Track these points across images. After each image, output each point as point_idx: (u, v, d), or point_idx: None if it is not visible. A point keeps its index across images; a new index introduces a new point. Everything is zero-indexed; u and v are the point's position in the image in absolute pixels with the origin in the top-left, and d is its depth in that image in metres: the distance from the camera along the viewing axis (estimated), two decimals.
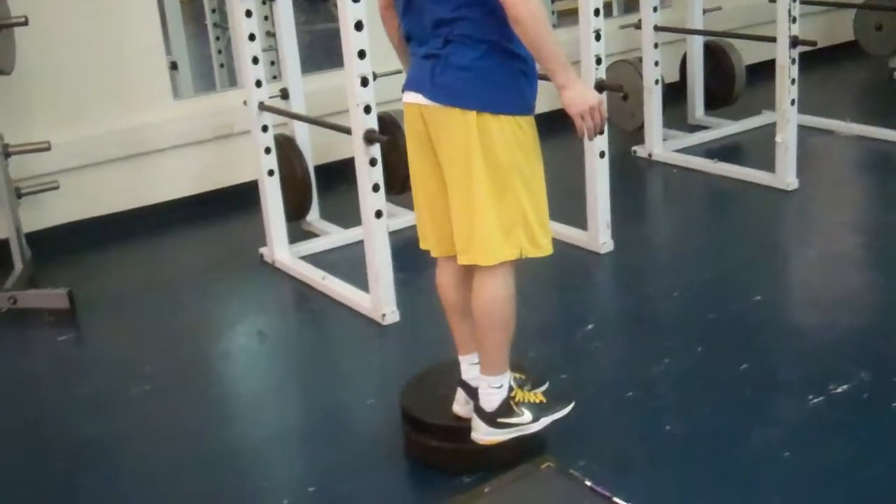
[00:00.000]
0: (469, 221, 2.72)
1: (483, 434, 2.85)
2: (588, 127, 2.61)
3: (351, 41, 3.58)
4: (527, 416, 2.88)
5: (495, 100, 2.65)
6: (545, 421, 2.90)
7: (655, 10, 5.56)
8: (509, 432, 2.85)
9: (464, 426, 2.94)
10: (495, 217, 2.69)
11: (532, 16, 2.50)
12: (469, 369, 2.96)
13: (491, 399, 2.84)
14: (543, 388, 3.01)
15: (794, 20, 4.86)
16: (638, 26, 5.65)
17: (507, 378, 2.85)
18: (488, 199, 2.68)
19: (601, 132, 2.66)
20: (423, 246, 2.98)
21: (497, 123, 2.64)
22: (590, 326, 3.83)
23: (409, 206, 4.91)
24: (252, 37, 4.33)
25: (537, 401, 2.91)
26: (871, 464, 2.89)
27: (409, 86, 2.78)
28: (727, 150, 5.80)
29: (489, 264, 2.73)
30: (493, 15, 2.57)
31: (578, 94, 2.59)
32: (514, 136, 2.67)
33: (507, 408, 2.85)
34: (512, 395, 2.87)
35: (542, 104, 2.88)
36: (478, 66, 2.62)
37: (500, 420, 2.84)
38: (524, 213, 2.72)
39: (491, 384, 2.83)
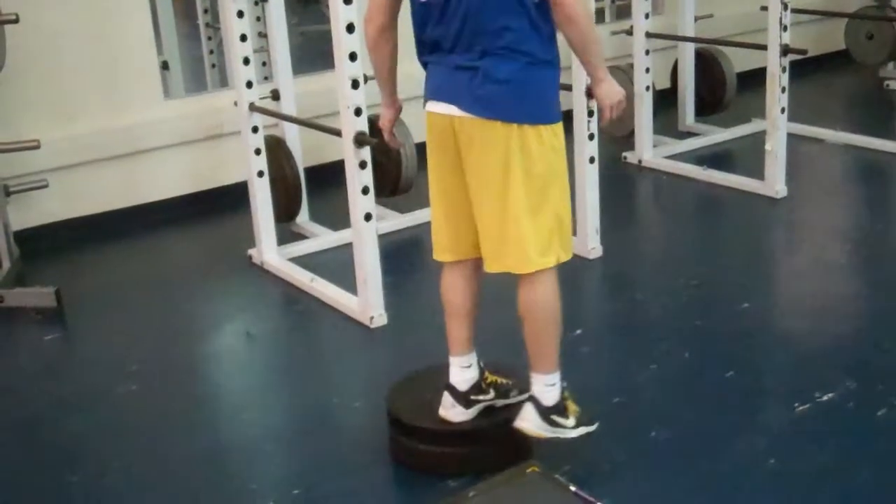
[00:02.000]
0: (503, 232, 2.75)
1: (532, 426, 2.87)
2: (614, 116, 2.84)
3: (342, 43, 3.58)
4: (570, 421, 2.90)
5: (536, 111, 2.69)
6: (581, 431, 2.92)
7: (647, 16, 5.57)
8: (554, 432, 2.88)
9: (450, 430, 2.95)
10: (533, 228, 2.73)
11: (586, 15, 2.65)
12: (459, 372, 2.97)
13: (546, 395, 2.87)
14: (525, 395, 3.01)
15: (785, 28, 4.87)
16: (629, 32, 5.66)
17: (559, 376, 2.89)
18: (526, 211, 2.71)
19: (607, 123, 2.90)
20: (437, 257, 2.97)
21: (536, 134, 2.69)
22: (578, 332, 3.84)
23: (399, 209, 4.95)
24: (244, 37, 4.33)
25: (577, 410, 2.94)
26: (856, 472, 2.90)
27: (439, 96, 2.76)
28: (717, 158, 5.82)
29: (527, 272, 2.77)
30: (533, 26, 2.62)
31: (613, 87, 2.81)
32: (550, 144, 2.72)
33: (561, 408, 2.89)
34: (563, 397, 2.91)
35: None
36: (517, 78, 2.64)
37: (552, 417, 2.87)
38: (560, 219, 2.79)
39: (546, 382, 2.87)
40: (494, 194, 2.73)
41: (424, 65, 2.81)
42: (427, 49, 2.78)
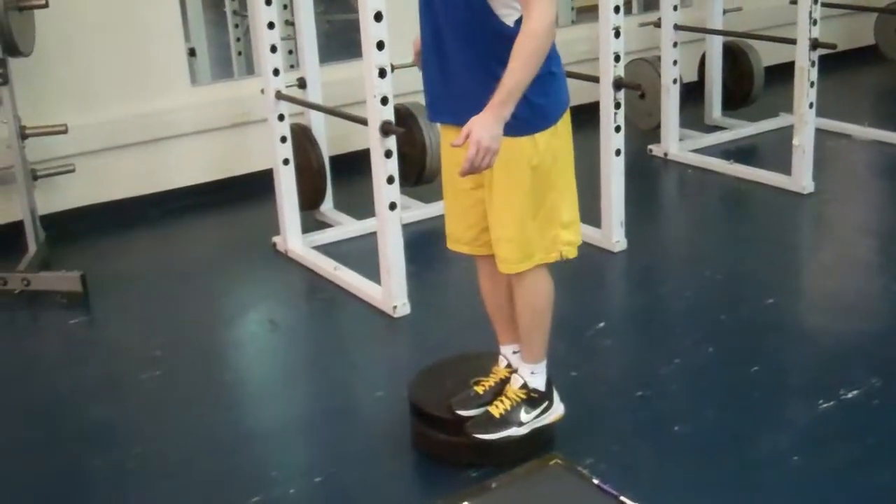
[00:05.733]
0: (505, 232, 2.75)
1: (513, 388, 2.94)
2: (475, 161, 2.43)
3: (370, 32, 3.57)
4: (537, 413, 2.94)
5: (540, 122, 2.66)
6: (536, 423, 2.95)
7: (675, 8, 5.54)
8: (520, 411, 2.91)
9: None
10: (532, 228, 2.73)
11: (548, 38, 2.47)
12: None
13: (530, 378, 2.93)
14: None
15: (814, 23, 4.84)
16: (657, 24, 5.63)
17: (544, 366, 2.94)
18: (527, 211, 2.71)
19: (468, 173, 2.49)
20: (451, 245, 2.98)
21: (542, 139, 2.67)
22: (601, 324, 3.83)
23: (424, 198, 4.95)
24: (271, 25, 4.33)
25: (559, 416, 3.00)
26: (879, 469, 2.88)
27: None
28: (743, 152, 5.78)
29: (519, 271, 2.79)
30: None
31: (495, 129, 2.44)
32: (548, 145, 2.68)
33: (541, 400, 2.94)
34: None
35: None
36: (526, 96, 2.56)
37: (532, 397, 2.92)
38: (560, 218, 2.77)
39: (531, 370, 2.93)
40: (503, 198, 2.73)
41: None
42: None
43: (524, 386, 2.91)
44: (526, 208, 2.71)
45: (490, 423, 2.88)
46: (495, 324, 3.06)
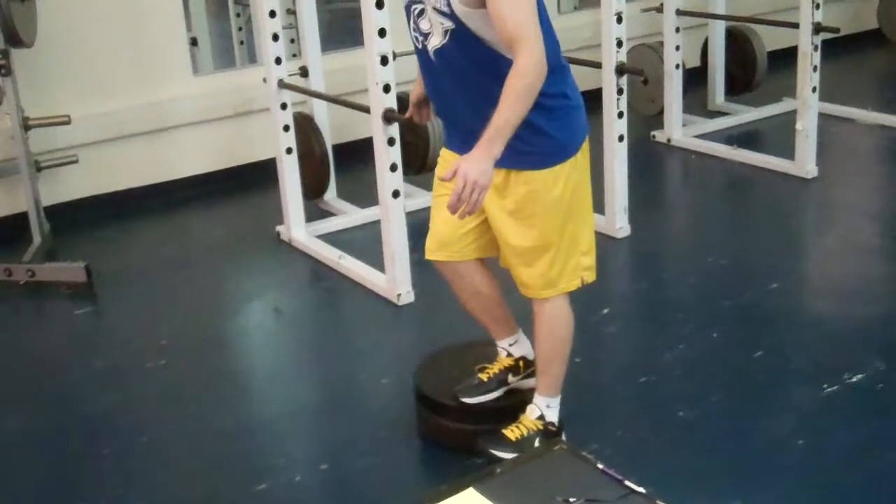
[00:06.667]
0: (528, 263, 2.73)
1: (528, 418, 2.91)
2: (463, 195, 2.35)
3: (371, 19, 3.57)
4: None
5: (560, 154, 2.64)
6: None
7: None
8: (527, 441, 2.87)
9: (477, 407, 2.95)
10: (555, 258, 2.72)
11: (539, 75, 2.38)
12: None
13: (546, 411, 2.90)
14: None
15: (817, 7, 4.82)
16: (660, 10, 5.62)
17: (558, 401, 2.92)
18: (551, 243, 2.69)
19: (455, 207, 2.39)
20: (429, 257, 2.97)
21: (562, 171, 2.65)
22: (605, 311, 3.83)
23: (427, 186, 4.94)
24: (273, 14, 4.33)
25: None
26: (884, 453, 2.89)
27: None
28: (747, 137, 5.78)
29: (548, 296, 2.78)
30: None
31: (484, 165, 2.36)
32: (568, 177, 2.66)
33: (548, 433, 2.90)
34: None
35: None
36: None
37: (548, 428, 2.89)
38: (579, 246, 2.76)
39: (546, 404, 2.90)
40: (519, 228, 2.72)
41: None
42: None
43: (541, 417, 2.89)
44: (551, 238, 2.69)
45: (504, 443, 2.86)
46: (486, 324, 3.03)
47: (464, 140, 2.56)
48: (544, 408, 2.89)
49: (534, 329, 2.85)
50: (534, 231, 2.69)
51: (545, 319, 2.81)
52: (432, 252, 2.92)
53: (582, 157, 2.70)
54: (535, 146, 2.57)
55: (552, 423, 2.89)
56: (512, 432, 2.87)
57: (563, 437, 2.94)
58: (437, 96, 2.73)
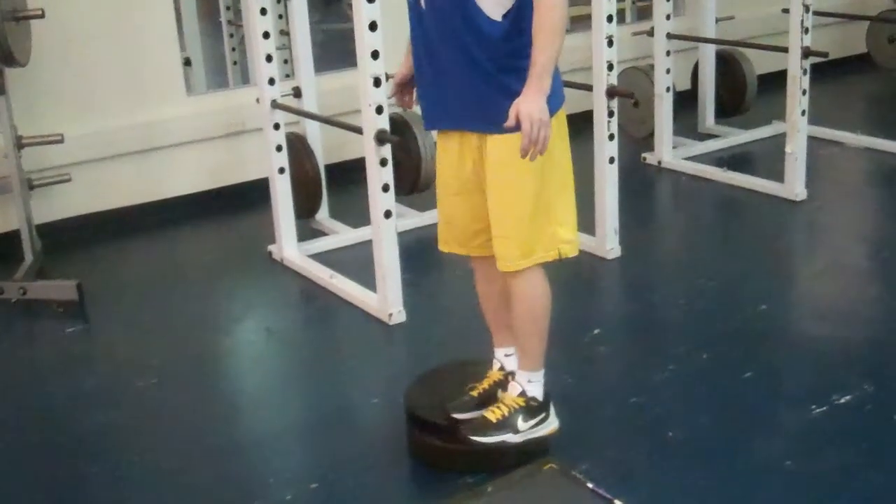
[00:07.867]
0: (504, 230, 2.77)
1: (510, 395, 2.94)
2: (532, 134, 2.49)
3: (365, 41, 3.60)
4: (533, 423, 2.94)
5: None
6: (532, 434, 2.95)
7: (668, 17, 5.56)
8: (518, 419, 2.91)
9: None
10: (530, 224, 2.74)
11: (564, 6, 2.52)
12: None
13: (528, 386, 2.93)
14: None
15: (806, 31, 4.86)
16: (650, 34, 5.66)
17: (541, 375, 2.95)
18: (525, 208, 2.73)
19: (527, 150, 2.52)
20: (443, 248, 3.01)
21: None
22: (596, 331, 3.85)
23: (418, 207, 4.96)
24: (266, 35, 4.35)
25: (554, 429, 3.01)
26: (872, 475, 2.90)
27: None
28: (737, 159, 5.81)
29: (518, 269, 2.79)
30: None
31: (541, 102, 2.51)
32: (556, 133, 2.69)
33: (540, 409, 2.94)
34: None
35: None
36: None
37: (531, 405, 2.92)
38: (556, 215, 2.79)
39: (528, 378, 2.93)
40: (501, 196, 2.76)
41: None
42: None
43: (522, 394, 2.92)
44: (523, 204, 2.72)
45: (486, 426, 2.89)
46: (490, 325, 3.08)
47: (451, 112, 2.70)
48: (525, 383, 2.92)
49: (512, 306, 2.87)
50: (508, 194, 2.72)
51: (520, 296, 2.84)
52: (447, 244, 2.97)
53: (557, 124, 2.70)
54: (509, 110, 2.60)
55: (534, 398, 2.92)
56: (493, 413, 2.90)
57: (556, 423, 2.98)
58: (426, 60, 2.74)
